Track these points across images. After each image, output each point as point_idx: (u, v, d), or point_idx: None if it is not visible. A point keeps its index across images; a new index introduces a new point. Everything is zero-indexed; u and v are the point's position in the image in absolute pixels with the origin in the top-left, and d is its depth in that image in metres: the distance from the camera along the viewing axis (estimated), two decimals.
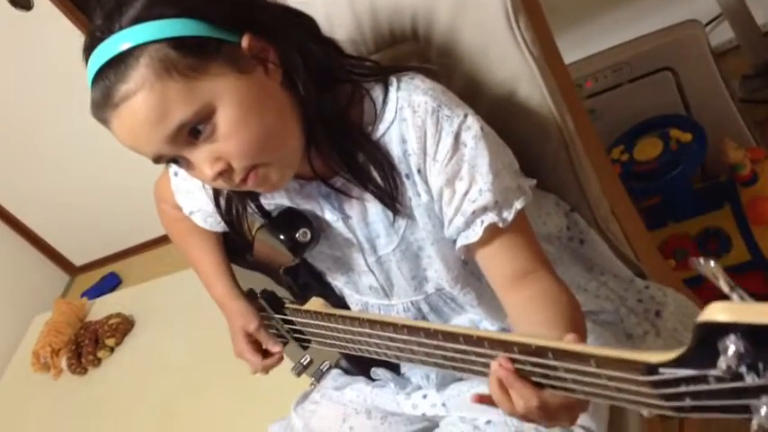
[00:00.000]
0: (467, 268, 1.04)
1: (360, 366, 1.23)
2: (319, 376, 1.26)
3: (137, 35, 0.79)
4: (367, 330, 0.93)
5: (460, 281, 1.03)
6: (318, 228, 1.02)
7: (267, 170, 0.87)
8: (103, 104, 0.80)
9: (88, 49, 0.81)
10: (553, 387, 0.73)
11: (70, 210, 3.65)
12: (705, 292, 1.57)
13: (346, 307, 1.17)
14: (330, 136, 0.91)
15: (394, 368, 1.21)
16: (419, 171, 0.92)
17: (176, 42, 0.79)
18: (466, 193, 0.90)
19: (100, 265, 3.86)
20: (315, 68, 0.89)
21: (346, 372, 1.27)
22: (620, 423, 1.11)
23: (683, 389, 0.57)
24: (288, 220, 1.02)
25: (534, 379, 0.74)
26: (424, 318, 1.11)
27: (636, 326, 1.13)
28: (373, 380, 1.22)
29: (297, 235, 1.00)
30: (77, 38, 0.82)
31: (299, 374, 1.26)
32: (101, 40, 0.80)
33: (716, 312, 0.51)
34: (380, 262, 1.04)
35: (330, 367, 1.27)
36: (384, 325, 0.89)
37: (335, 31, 1.07)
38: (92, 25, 0.82)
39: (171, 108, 0.80)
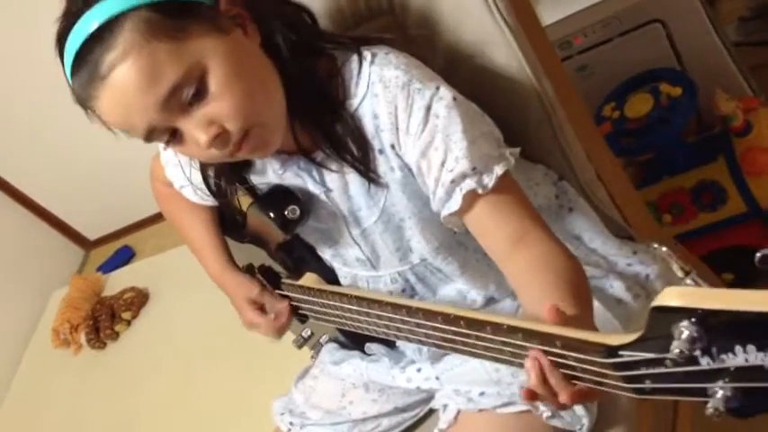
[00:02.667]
0: (455, 238, 1.04)
1: (355, 340, 1.25)
2: (318, 349, 1.27)
3: (114, 4, 0.79)
4: (375, 311, 0.93)
5: (442, 251, 1.04)
6: (307, 203, 1.02)
7: (261, 131, 0.88)
8: (90, 80, 0.80)
9: (64, 33, 0.81)
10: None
11: (81, 185, 3.67)
12: (698, 247, 1.59)
13: (337, 280, 1.18)
14: (310, 106, 0.92)
15: (388, 342, 1.23)
16: (392, 146, 0.93)
17: (155, 6, 0.80)
18: (443, 163, 0.90)
19: (114, 239, 3.90)
20: (292, 36, 0.90)
21: (343, 346, 1.29)
22: (611, 400, 1.12)
23: (642, 371, 0.59)
24: (277, 198, 1.03)
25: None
26: (412, 288, 1.12)
27: (626, 290, 1.13)
28: (368, 354, 1.24)
29: (286, 212, 1.01)
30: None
31: (300, 347, 1.28)
32: (77, 17, 0.80)
33: (670, 297, 0.52)
34: (365, 234, 1.05)
35: (329, 340, 1.29)
36: (395, 306, 0.89)
37: (311, 6, 1.08)
38: (65, 10, 0.82)
39: (162, 70, 0.80)
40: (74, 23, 0.80)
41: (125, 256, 3.65)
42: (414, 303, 0.87)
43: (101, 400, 2.69)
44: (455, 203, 0.90)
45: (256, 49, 0.88)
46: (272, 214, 1.02)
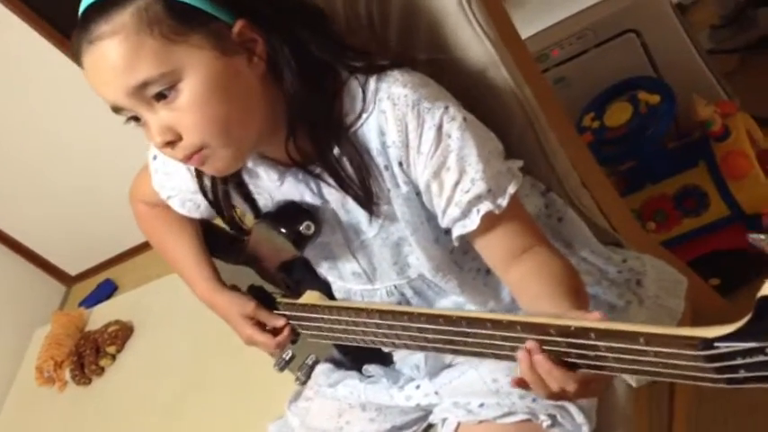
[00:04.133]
0: (451, 257, 1.04)
1: (353, 360, 1.24)
2: (306, 370, 1.25)
3: None
4: (374, 321, 0.93)
5: (442, 269, 1.04)
6: (320, 219, 1.02)
7: (213, 154, 0.88)
8: (81, 39, 0.82)
9: None
10: (589, 367, 0.73)
11: (60, 220, 3.66)
12: (683, 253, 1.60)
13: (334, 298, 1.17)
14: (311, 130, 0.92)
15: (386, 362, 1.22)
16: (400, 163, 0.93)
17: (169, 3, 0.81)
18: (457, 184, 0.91)
19: (95, 273, 3.88)
20: (306, 67, 0.89)
21: (338, 365, 1.28)
22: (610, 395, 1.13)
23: (738, 361, 0.59)
24: (289, 213, 1.02)
25: (569, 360, 0.74)
26: (408, 302, 1.11)
27: (618, 297, 1.14)
28: (365, 376, 1.23)
29: (300, 228, 1.00)
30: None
31: (281, 370, 1.25)
32: None
33: None
34: (363, 246, 1.05)
35: (317, 361, 1.27)
36: (396, 314, 0.90)
37: None
38: None
39: (139, 63, 0.81)
40: None
41: (107, 290, 3.63)
42: (415, 309, 0.89)
43: None
44: (471, 224, 0.92)
45: (251, 79, 0.88)
46: (283, 230, 1.01)
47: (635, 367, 0.69)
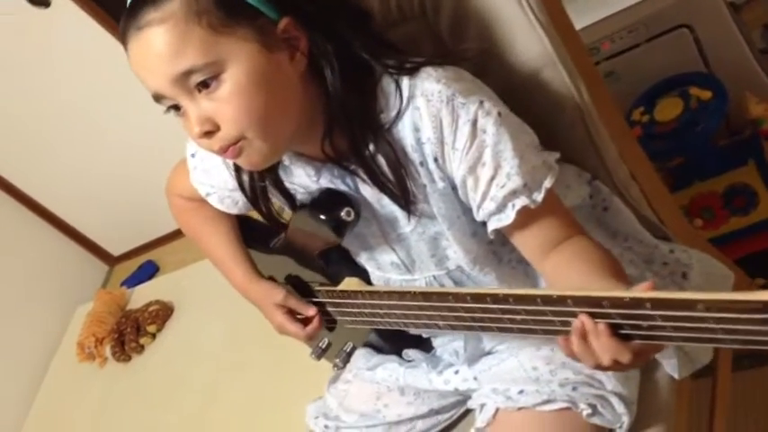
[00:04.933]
0: (490, 248, 1.05)
1: (392, 344, 1.25)
2: (344, 357, 1.26)
3: None
4: (417, 303, 0.94)
5: (479, 261, 1.04)
6: (359, 206, 1.02)
7: (249, 147, 0.89)
8: (129, 25, 0.83)
9: None
10: (642, 337, 0.74)
11: (105, 201, 3.72)
12: (730, 252, 1.58)
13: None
14: (349, 128, 0.92)
15: (425, 347, 1.23)
16: (435, 159, 0.93)
17: None
18: (492, 179, 0.91)
19: (137, 254, 3.93)
20: (347, 66, 0.90)
21: (378, 350, 1.29)
22: (651, 387, 1.12)
23: None
24: (329, 201, 1.02)
25: (624, 331, 0.74)
26: None
27: (662, 288, 1.13)
28: (405, 360, 1.24)
29: (341, 214, 1.00)
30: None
31: (318, 358, 1.27)
32: None
33: None
34: (400, 239, 1.05)
35: (354, 348, 1.28)
36: (441, 295, 0.90)
37: None
38: None
39: (185, 51, 0.82)
40: None
41: (149, 271, 3.68)
42: (460, 290, 0.89)
43: (127, 413, 2.69)
44: (507, 218, 0.92)
45: (292, 75, 0.88)
46: (323, 217, 1.01)
47: (694, 335, 0.69)
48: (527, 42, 1.06)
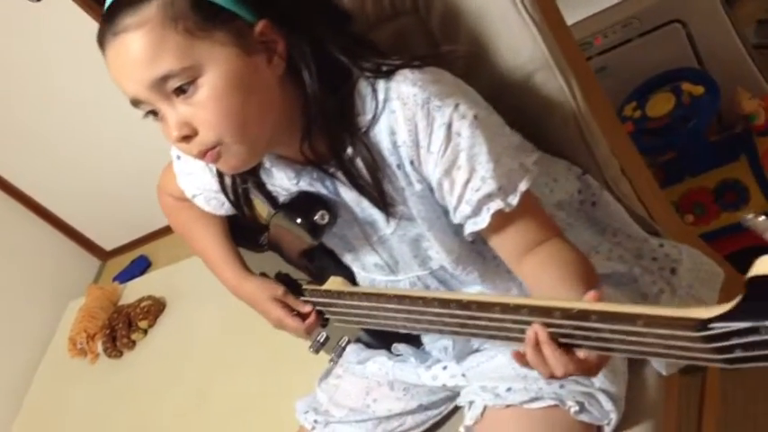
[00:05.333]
0: (473, 247, 1.04)
1: (381, 340, 1.24)
2: (339, 352, 1.27)
3: None
4: (393, 306, 0.94)
5: (462, 261, 1.04)
6: (334, 208, 1.02)
7: (228, 151, 0.88)
8: (107, 29, 0.83)
9: None
10: (594, 348, 0.74)
11: (97, 195, 3.70)
12: (721, 248, 1.58)
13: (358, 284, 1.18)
14: (327, 130, 0.92)
15: (415, 343, 1.23)
16: (412, 162, 0.92)
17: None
18: (467, 182, 0.90)
19: (129, 249, 3.92)
20: (324, 68, 0.90)
21: (368, 346, 1.28)
22: (639, 384, 1.12)
23: (734, 341, 0.59)
24: (304, 203, 1.02)
25: (575, 342, 0.75)
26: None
27: (651, 285, 1.13)
28: (394, 354, 1.23)
29: (315, 217, 1.00)
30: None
31: (316, 351, 1.27)
32: None
33: (766, 266, 0.53)
34: (382, 241, 1.05)
35: (349, 342, 1.28)
36: (414, 299, 0.90)
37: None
38: None
39: (162, 56, 0.82)
40: None
41: (141, 266, 3.67)
42: (429, 294, 0.89)
43: (118, 409, 2.69)
44: (482, 221, 0.92)
45: (270, 78, 0.88)
46: (299, 220, 1.01)
47: (638, 348, 0.69)
48: (519, 39, 1.06)
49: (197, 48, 0.82)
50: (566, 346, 0.76)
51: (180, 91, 0.84)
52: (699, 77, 1.63)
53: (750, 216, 0.70)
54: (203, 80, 0.83)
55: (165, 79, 0.83)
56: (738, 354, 0.59)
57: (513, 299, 0.79)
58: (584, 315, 0.71)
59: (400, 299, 0.92)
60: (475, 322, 0.83)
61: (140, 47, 0.81)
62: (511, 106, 1.06)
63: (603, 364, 0.79)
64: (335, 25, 0.93)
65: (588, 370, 0.78)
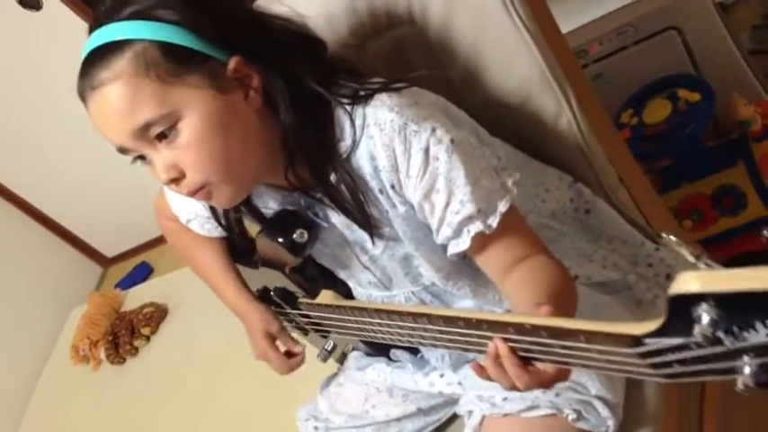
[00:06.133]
0: (464, 261, 1.04)
1: (379, 349, 1.26)
2: (343, 359, 1.28)
3: (130, 30, 0.83)
4: (376, 320, 0.95)
5: (452, 277, 1.05)
6: (314, 225, 1.03)
7: (217, 189, 0.90)
8: (85, 84, 0.85)
9: (90, 30, 0.86)
10: (553, 361, 0.75)
11: (99, 203, 3.71)
12: (719, 253, 1.59)
13: (352, 294, 1.19)
14: (307, 155, 0.93)
15: (412, 349, 1.23)
16: (393, 186, 0.93)
17: (164, 46, 0.83)
18: (447, 205, 0.91)
19: (131, 256, 3.93)
20: (299, 98, 0.91)
21: (368, 354, 1.30)
22: (638, 392, 1.13)
23: (669, 357, 0.59)
24: (283, 223, 1.04)
25: (533, 355, 0.76)
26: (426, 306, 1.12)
27: (646, 291, 1.14)
28: (393, 361, 1.24)
29: (294, 236, 1.01)
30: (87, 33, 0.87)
31: (324, 360, 1.29)
32: (100, 24, 0.84)
33: (686, 283, 0.52)
34: (373, 260, 1.06)
35: (352, 348, 1.30)
36: (390, 313, 0.91)
37: (332, 15, 1.09)
38: (98, 8, 0.86)
39: (140, 105, 0.83)
40: (93, 29, 0.85)
41: (143, 273, 3.67)
42: (432, 311, 0.88)
43: (121, 415, 2.68)
44: (463, 243, 0.92)
45: (248, 113, 0.90)
46: (280, 239, 1.02)
47: (587, 363, 0.70)
48: (515, 50, 1.07)
49: (173, 93, 0.84)
50: (525, 360, 0.77)
51: (162, 136, 0.85)
52: (695, 84, 1.64)
53: (663, 235, 0.69)
54: (183, 124, 0.85)
55: (146, 127, 0.84)
56: (677, 369, 0.59)
57: (475, 313, 0.79)
58: (535, 330, 0.72)
59: (378, 313, 0.93)
60: (446, 336, 0.84)
61: (118, 99, 0.83)
62: (508, 116, 1.07)
63: (562, 377, 0.78)
64: (308, 55, 0.94)
65: (546, 381, 0.78)
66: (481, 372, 0.81)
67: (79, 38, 0.86)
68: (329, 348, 1.28)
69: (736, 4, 2.26)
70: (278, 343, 1.23)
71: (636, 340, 0.61)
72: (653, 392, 1.13)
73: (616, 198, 1.19)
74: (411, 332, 0.90)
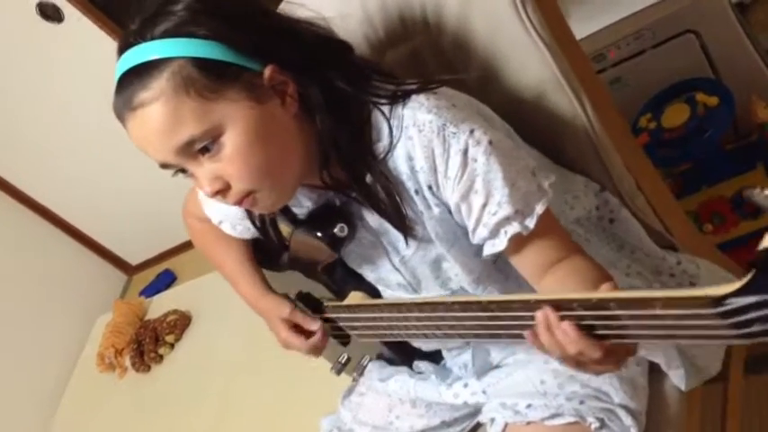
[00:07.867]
0: (495, 266, 1.06)
1: (403, 356, 1.26)
2: (361, 370, 1.28)
3: (165, 48, 0.84)
4: (414, 313, 0.95)
5: (482, 281, 1.06)
6: (353, 220, 1.04)
7: (262, 196, 0.92)
8: (123, 105, 0.86)
9: (121, 50, 0.86)
10: (616, 337, 0.75)
11: (123, 211, 3.75)
12: (740, 256, 1.58)
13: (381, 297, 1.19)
14: (343, 160, 0.94)
15: (435, 359, 1.24)
16: (430, 187, 0.94)
17: (200, 62, 0.84)
18: (484, 206, 0.92)
19: (155, 263, 3.96)
20: (334, 102, 0.92)
21: (389, 362, 1.30)
22: (660, 398, 1.13)
23: (751, 315, 0.60)
24: (323, 217, 1.05)
25: (598, 332, 0.76)
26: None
27: None
28: (416, 372, 1.25)
29: (335, 230, 1.02)
30: (110, 45, 0.88)
31: (338, 373, 1.29)
32: (132, 44, 0.85)
33: None
34: (404, 262, 1.07)
35: (371, 359, 1.30)
36: (433, 305, 0.91)
37: (348, 26, 1.10)
38: (127, 28, 0.87)
39: (182, 123, 0.84)
40: (125, 49, 0.86)
41: (167, 280, 3.70)
42: (449, 298, 0.91)
43: (146, 422, 2.70)
44: (500, 243, 0.93)
45: (287, 119, 0.91)
46: (319, 234, 1.03)
47: (658, 332, 0.70)
48: (530, 59, 1.07)
49: (213, 109, 0.85)
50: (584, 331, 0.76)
51: (205, 150, 0.87)
52: (713, 88, 1.63)
53: (757, 190, 0.70)
54: (225, 138, 0.86)
55: (189, 144, 0.86)
56: (756, 328, 0.60)
57: (532, 295, 0.79)
58: (603, 304, 0.72)
59: (420, 306, 0.93)
60: (496, 323, 0.85)
61: (159, 118, 0.84)
62: (524, 124, 1.08)
63: (623, 355, 0.79)
64: (338, 57, 0.95)
65: (612, 359, 0.78)
66: (534, 338, 0.80)
67: (101, 49, 0.87)
68: (343, 361, 1.29)
69: (754, 4, 2.24)
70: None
71: (717, 300, 0.62)
72: (675, 400, 1.13)
73: (634, 205, 1.18)
74: (453, 323, 0.90)
